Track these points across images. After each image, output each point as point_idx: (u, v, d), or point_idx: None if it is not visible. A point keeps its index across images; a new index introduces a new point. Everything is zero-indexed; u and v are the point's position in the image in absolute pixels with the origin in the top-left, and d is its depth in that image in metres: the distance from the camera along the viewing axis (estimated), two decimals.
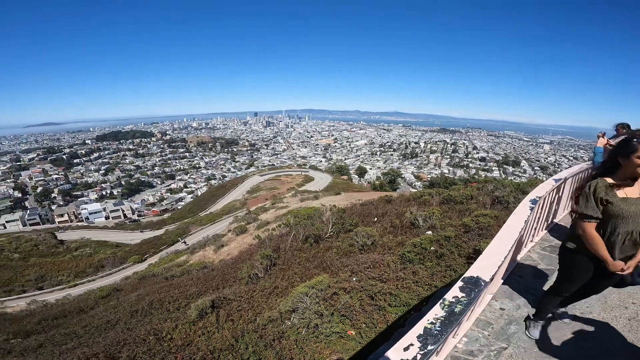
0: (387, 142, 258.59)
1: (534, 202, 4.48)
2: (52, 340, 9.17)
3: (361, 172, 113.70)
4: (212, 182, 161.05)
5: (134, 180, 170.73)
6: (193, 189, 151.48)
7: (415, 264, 7.62)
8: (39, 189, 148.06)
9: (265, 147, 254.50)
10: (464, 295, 2.58)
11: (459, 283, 2.73)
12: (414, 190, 63.06)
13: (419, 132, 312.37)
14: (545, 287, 4.20)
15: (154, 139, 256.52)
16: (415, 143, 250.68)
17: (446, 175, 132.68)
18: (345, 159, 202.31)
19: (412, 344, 2.10)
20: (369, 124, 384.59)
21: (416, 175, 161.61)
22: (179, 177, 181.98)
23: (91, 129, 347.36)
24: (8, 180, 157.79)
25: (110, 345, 6.92)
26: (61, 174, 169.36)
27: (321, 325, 6.04)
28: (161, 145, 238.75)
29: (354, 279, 7.65)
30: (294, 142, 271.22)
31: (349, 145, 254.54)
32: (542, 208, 5.23)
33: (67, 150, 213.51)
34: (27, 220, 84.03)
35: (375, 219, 14.57)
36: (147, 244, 38.94)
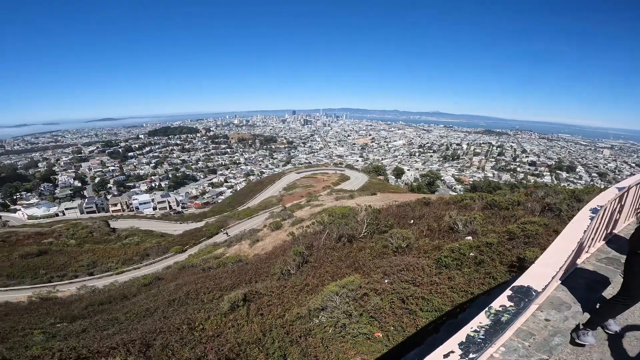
0: (427, 143, 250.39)
1: (594, 211, 4.06)
2: (95, 325, 9.84)
3: (398, 172, 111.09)
4: (251, 177, 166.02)
5: (179, 174, 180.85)
6: (233, 184, 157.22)
7: (451, 269, 7.32)
8: (97, 179, 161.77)
9: (303, 145, 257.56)
10: (512, 304, 2.53)
11: (508, 292, 2.67)
12: (454, 193, 60.42)
13: (461, 133, 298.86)
14: (600, 300, 3.94)
15: (198, 134, 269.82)
16: (457, 145, 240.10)
17: (490, 179, 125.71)
18: (382, 159, 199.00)
19: (452, 351, 2.06)
20: (408, 124, 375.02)
21: (457, 178, 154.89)
22: (220, 172, 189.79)
23: (144, 125, 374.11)
24: (70, 170, 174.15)
25: (146, 332, 7.27)
26: (117, 166, 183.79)
27: (349, 325, 5.95)
28: (205, 141, 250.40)
29: (386, 281, 7.48)
30: (331, 140, 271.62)
31: (387, 145, 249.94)
32: (602, 218, 4.74)
33: (122, 144, 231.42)
34: (85, 208, 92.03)
35: (412, 221, 14.09)
36: (188, 235, 40.98)
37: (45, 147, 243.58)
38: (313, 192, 64.96)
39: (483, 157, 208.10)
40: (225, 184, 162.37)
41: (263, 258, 15.75)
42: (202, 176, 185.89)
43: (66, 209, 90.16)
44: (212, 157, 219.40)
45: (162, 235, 46.86)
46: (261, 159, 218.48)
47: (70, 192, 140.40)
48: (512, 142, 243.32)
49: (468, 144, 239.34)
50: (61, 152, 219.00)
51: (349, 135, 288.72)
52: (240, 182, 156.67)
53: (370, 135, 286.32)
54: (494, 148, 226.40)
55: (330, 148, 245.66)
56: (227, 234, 38.12)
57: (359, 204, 22.58)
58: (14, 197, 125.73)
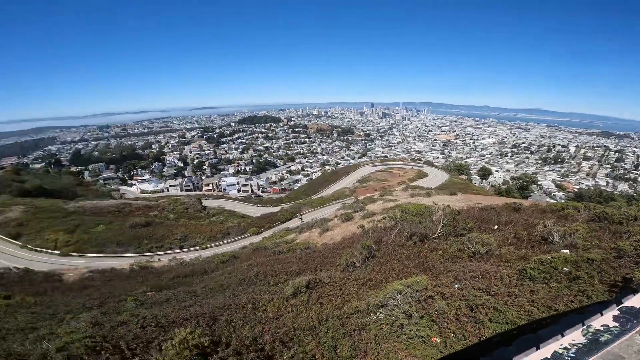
0: (523, 142, 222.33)
1: None
2: (176, 296, 11.05)
3: (484, 173, 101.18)
4: (326, 167, 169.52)
5: (262, 160, 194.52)
6: (309, 173, 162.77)
7: (536, 282, 6.55)
8: (195, 161, 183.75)
9: (380, 138, 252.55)
10: (616, 325, 2.35)
11: (614, 311, 2.47)
12: (553, 201, 52.77)
13: (568, 133, 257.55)
14: None
15: (280, 124, 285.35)
16: (563, 146, 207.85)
17: (602, 188, 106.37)
18: (466, 157, 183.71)
19: None
20: (500, 121, 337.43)
21: (558, 184, 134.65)
22: (298, 160, 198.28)
23: (235, 113, 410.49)
24: (175, 152, 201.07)
25: (216, 307, 7.89)
26: (212, 150, 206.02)
27: (406, 325, 5.70)
28: (286, 130, 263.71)
29: (456, 285, 6.95)
30: (410, 135, 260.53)
31: (473, 143, 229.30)
32: None
33: (217, 131, 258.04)
34: (184, 186, 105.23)
35: (496, 226, 12.66)
36: (264, 218, 43.82)
37: (158, 131, 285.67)
38: (387, 186, 63.27)
39: (595, 163, 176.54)
40: (302, 172, 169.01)
41: (330, 248, 15.85)
42: (281, 163, 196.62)
43: (170, 186, 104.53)
44: (291, 145, 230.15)
45: (243, 216, 50.96)
46: (337, 149, 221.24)
47: (174, 171, 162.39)
48: (636, 147, 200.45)
49: (577, 147, 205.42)
50: (170, 136, 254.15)
51: (430, 131, 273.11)
52: (316, 171, 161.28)
53: (454, 131, 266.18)
54: (611, 153, 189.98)
55: (408, 143, 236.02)
56: (301, 219, 39.92)
57: (436, 202, 21.15)
58: (131, 173, 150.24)
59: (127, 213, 46.09)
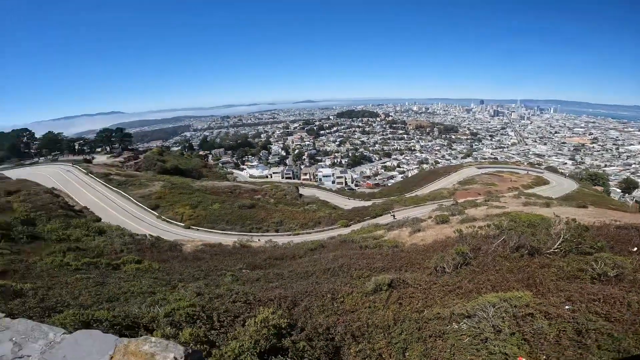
0: None
1: None
2: (266, 276, 11.85)
3: (628, 186, 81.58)
4: (424, 166, 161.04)
5: (358, 154, 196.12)
6: (404, 170, 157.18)
7: None
8: (296, 151, 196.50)
9: (489, 138, 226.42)
10: None
11: None
12: None
13: None
14: None
15: (378, 119, 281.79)
16: None
17: None
18: (604, 165, 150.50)
19: None
20: None
21: None
22: (394, 157, 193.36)
23: (334, 107, 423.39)
24: (280, 142, 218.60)
25: (298, 292, 8.15)
26: (311, 142, 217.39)
27: (491, 340, 5.07)
28: (383, 125, 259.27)
29: (567, 307, 6.01)
30: (529, 136, 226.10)
31: (616, 149, 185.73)
32: None
33: (317, 123, 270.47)
34: (285, 174, 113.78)
35: (635, 249, 10.15)
36: (355, 211, 44.08)
37: (266, 122, 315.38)
38: (494, 191, 56.62)
39: None
40: (397, 168, 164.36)
41: (420, 249, 14.94)
42: (377, 158, 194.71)
43: (273, 172, 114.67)
44: (388, 141, 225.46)
45: (334, 207, 52.29)
46: (438, 148, 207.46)
47: (278, 159, 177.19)
48: None
49: None
50: (276, 126, 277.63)
51: (556, 132, 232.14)
52: (412, 169, 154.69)
53: (590, 134, 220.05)
54: None
55: (526, 145, 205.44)
56: (394, 216, 39.00)
57: (557, 214, 17.81)
58: (243, 158, 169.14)
59: (237, 194, 52.08)
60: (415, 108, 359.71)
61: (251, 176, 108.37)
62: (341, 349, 5.50)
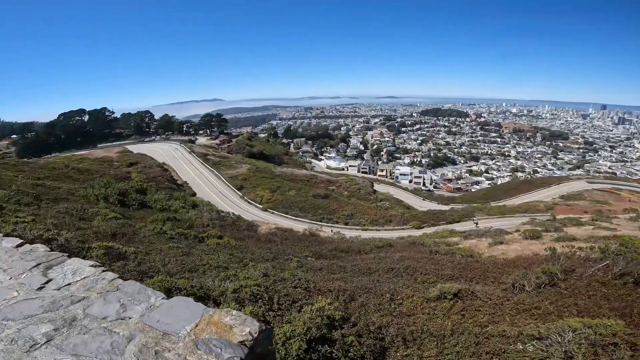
0: None
1: None
2: (329, 267, 12.06)
3: None
4: (518, 174, 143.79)
5: (440, 155, 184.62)
6: (493, 177, 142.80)
7: None
8: (375, 146, 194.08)
9: (609, 149, 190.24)
10: None
11: None
12: None
13: None
14: None
15: (467, 119, 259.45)
16: None
17: None
18: None
19: None
20: None
21: None
22: (482, 161, 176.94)
23: (418, 104, 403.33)
24: (359, 136, 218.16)
25: (357, 287, 8.20)
26: (391, 138, 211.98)
27: None
28: (473, 127, 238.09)
29: None
30: None
31: None
32: None
33: (398, 120, 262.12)
34: (361, 168, 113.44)
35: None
36: (430, 214, 41.82)
37: (347, 116, 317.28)
38: (606, 210, 47.89)
39: None
40: (484, 174, 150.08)
41: (498, 263, 13.62)
42: (462, 161, 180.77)
43: (350, 165, 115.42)
44: (477, 143, 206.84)
45: (408, 207, 50.43)
46: (539, 156, 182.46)
47: (355, 152, 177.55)
48: None
49: None
50: (356, 120, 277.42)
51: None
52: (503, 177, 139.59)
53: None
54: None
55: None
56: (476, 224, 36.36)
57: None
58: (322, 149, 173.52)
59: (313, 184, 53.90)
60: (514, 110, 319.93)
61: (328, 167, 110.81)
62: (388, 350, 5.41)
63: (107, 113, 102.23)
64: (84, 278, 2.46)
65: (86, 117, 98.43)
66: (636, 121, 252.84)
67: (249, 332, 1.76)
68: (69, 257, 2.76)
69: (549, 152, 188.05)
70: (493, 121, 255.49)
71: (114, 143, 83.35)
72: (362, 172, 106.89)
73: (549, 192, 65.69)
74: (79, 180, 28.28)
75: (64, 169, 32.10)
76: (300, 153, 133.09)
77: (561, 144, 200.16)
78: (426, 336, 5.64)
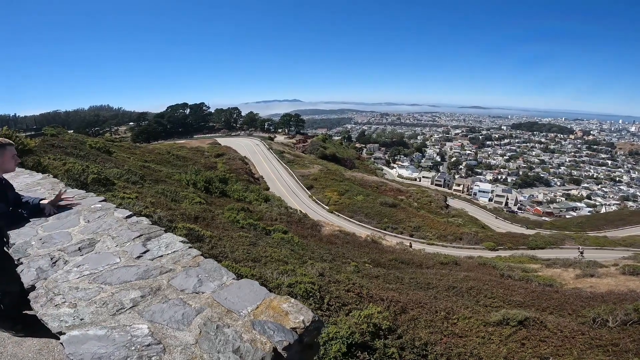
0: None
1: None
2: (386, 277, 11.87)
3: None
4: (629, 204, 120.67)
5: (532, 174, 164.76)
6: (596, 204, 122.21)
7: None
8: (453, 158, 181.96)
9: None
10: None
11: None
12: None
13: None
14: None
15: (572, 136, 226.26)
16: None
17: None
18: None
19: None
20: None
21: None
22: (584, 185, 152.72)
23: (509, 117, 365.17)
24: (436, 147, 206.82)
25: (411, 301, 8.07)
26: (473, 151, 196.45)
27: None
28: (578, 145, 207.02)
29: None
30: None
31: None
32: None
33: (484, 132, 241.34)
34: (435, 180, 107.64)
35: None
36: (509, 236, 37.67)
37: (425, 124, 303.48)
38: None
39: None
40: (585, 200, 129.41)
41: (583, 295, 12.00)
42: (558, 183, 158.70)
43: (423, 176, 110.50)
44: (580, 165, 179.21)
45: (484, 227, 46.27)
46: None
47: (431, 163, 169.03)
48: None
49: None
50: (435, 130, 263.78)
51: None
52: (609, 204, 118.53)
53: None
54: None
55: None
56: (582, 253, 31.86)
57: None
58: (395, 157, 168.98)
59: (382, 191, 53.00)
60: (633, 129, 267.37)
61: (399, 176, 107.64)
62: None
63: (204, 107, 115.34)
64: (174, 252, 2.70)
65: (187, 111, 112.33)
66: None
67: (302, 320, 1.85)
68: (165, 231, 3.07)
69: None
70: (605, 140, 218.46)
71: (207, 135, 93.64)
72: (436, 185, 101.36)
73: None
74: (176, 165, 32.55)
75: (165, 155, 37.24)
76: (372, 159, 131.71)
77: None
78: None
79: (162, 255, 2.65)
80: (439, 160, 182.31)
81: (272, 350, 1.64)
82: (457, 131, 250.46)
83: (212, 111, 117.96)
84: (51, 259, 2.62)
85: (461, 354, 5.54)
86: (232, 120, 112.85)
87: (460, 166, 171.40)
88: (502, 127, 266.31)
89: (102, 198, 3.95)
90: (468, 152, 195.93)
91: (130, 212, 3.53)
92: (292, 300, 2.02)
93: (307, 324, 1.84)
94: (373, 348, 5.12)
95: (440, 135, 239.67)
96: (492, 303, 9.82)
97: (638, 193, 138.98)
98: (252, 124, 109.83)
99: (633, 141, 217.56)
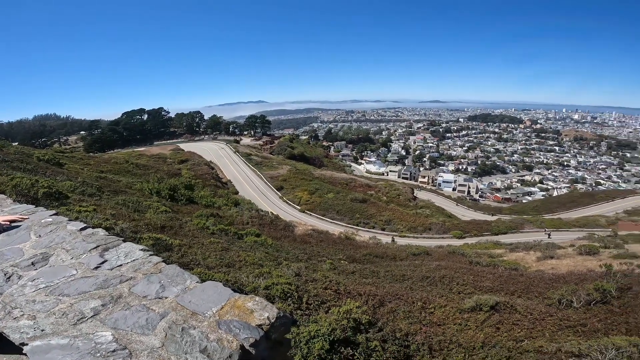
0: None
1: None
2: (361, 272, 11.99)
3: None
4: (578, 186, 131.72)
5: (489, 162, 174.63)
6: (548, 187, 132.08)
7: None
8: (417, 152, 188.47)
9: None
10: None
11: None
12: None
13: None
14: None
15: (521, 125, 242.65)
16: None
17: None
18: None
19: None
20: None
21: None
22: (536, 171, 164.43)
23: (465, 109, 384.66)
24: (400, 141, 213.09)
25: (388, 293, 8.17)
26: (435, 144, 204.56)
27: None
28: (528, 134, 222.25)
29: None
30: None
31: None
32: None
33: (443, 125, 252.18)
34: (402, 174, 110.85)
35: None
36: (473, 224, 39.70)
37: (389, 120, 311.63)
38: None
39: None
40: (538, 184, 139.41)
41: (546, 277, 12.80)
42: (513, 170, 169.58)
43: (390, 170, 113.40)
44: (531, 152, 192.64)
45: (450, 216, 48.34)
46: (603, 167, 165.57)
47: (396, 158, 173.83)
48: None
49: None
50: (398, 125, 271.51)
51: None
52: (560, 188, 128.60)
53: None
54: None
55: None
56: (549, 235, 34.49)
57: None
58: (362, 153, 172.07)
59: (351, 187, 53.74)
60: (576, 116, 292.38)
61: (368, 171, 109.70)
62: (413, 358, 5.37)
63: (163, 113, 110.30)
64: (134, 260, 2.70)
65: (145, 116, 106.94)
66: None
67: (267, 317, 1.91)
68: (124, 241, 3.03)
69: (615, 162, 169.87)
70: (551, 128, 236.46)
71: (168, 141, 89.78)
72: (403, 178, 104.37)
73: (612, 207, 59.62)
74: (136, 174, 30.86)
75: (124, 164, 35.19)
76: (340, 156, 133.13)
77: (629, 155, 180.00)
78: (454, 347, 5.52)
79: (121, 265, 2.66)
80: (404, 154, 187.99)
81: (239, 347, 1.68)
82: (419, 125, 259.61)
83: (173, 116, 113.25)
84: (5, 274, 2.59)
85: (441, 342, 5.66)
86: (195, 125, 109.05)
87: (424, 159, 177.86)
88: (460, 119, 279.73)
89: (53, 212, 3.80)
90: (430, 144, 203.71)
91: (85, 225, 3.45)
92: (257, 298, 2.06)
93: (272, 320, 1.90)
94: (356, 343, 5.09)
95: (403, 129, 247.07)
96: (464, 290, 10.16)
97: (586, 176, 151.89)
98: (216, 127, 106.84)
99: (577, 128, 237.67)
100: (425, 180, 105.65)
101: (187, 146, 71.05)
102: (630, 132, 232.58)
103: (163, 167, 42.34)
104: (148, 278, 2.42)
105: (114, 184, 21.45)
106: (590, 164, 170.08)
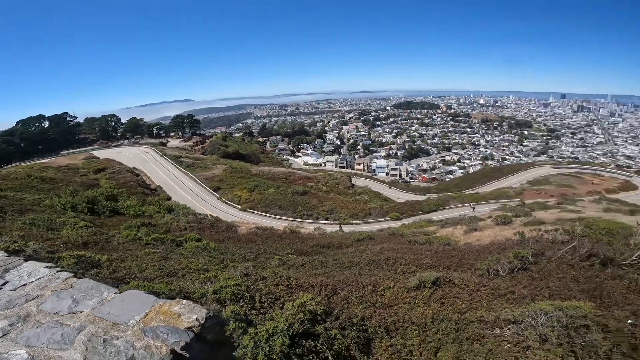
0: None
1: None
2: (311, 263, 12.07)
3: None
4: (489, 162, 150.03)
5: (415, 146, 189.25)
6: (465, 165, 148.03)
7: None
8: (351, 140, 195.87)
9: (570, 135, 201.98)
10: None
11: None
12: None
13: None
14: None
15: (439, 111, 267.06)
16: None
17: None
18: None
19: None
20: None
21: None
22: (454, 151, 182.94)
23: (391, 98, 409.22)
24: (335, 131, 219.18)
25: (339, 281, 8.30)
26: (366, 132, 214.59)
27: (535, 349, 4.85)
28: (444, 118, 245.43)
29: (629, 321, 5.85)
30: (619, 135, 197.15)
31: None
32: None
33: (373, 114, 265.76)
34: (339, 163, 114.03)
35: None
36: (408, 205, 42.75)
37: (322, 112, 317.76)
38: (571, 194, 51.00)
39: None
40: (457, 163, 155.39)
41: (473, 249, 14.19)
42: (435, 152, 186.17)
43: (327, 161, 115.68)
44: (449, 134, 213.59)
45: (386, 199, 51.32)
46: (506, 144, 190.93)
47: (332, 148, 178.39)
48: None
49: None
50: (331, 116, 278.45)
51: None
52: (474, 165, 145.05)
53: None
54: None
55: (615, 145, 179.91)
56: (473, 208, 38.18)
57: None
58: (299, 146, 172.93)
59: (291, 181, 53.47)
60: (481, 101, 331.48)
61: (305, 164, 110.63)
62: (372, 341, 5.53)
63: (68, 118, 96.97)
64: (39, 278, 2.63)
65: (46, 123, 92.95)
66: (594, 108, 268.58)
67: (196, 318, 1.90)
68: (25, 260, 2.96)
69: (515, 140, 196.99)
70: (462, 112, 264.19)
71: (79, 149, 79.28)
72: (340, 167, 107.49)
73: (517, 179, 68.80)
74: (43, 190, 26.77)
75: (26, 179, 30.25)
76: (277, 151, 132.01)
77: (526, 132, 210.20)
78: (408, 325, 5.82)
79: (25, 284, 2.59)
80: (339, 143, 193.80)
81: (169, 352, 1.66)
82: (351, 115, 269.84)
83: (82, 121, 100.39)
84: None
85: (396, 322, 5.95)
86: (111, 129, 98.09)
87: (358, 147, 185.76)
88: (387, 107, 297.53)
89: None
90: (362, 133, 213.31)
91: None
92: (184, 301, 2.06)
93: (202, 321, 1.91)
94: (315, 334, 5.07)
95: (337, 120, 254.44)
96: (407, 269, 10.71)
97: (494, 152, 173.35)
98: (137, 130, 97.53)
99: (483, 111, 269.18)
100: (361, 167, 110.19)
101: (103, 153, 63.75)
102: (526, 112, 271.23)
103: (76, 179, 37.41)
104: (58, 294, 2.36)
105: (17, 202, 18.36)
106: (496, 142, 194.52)
